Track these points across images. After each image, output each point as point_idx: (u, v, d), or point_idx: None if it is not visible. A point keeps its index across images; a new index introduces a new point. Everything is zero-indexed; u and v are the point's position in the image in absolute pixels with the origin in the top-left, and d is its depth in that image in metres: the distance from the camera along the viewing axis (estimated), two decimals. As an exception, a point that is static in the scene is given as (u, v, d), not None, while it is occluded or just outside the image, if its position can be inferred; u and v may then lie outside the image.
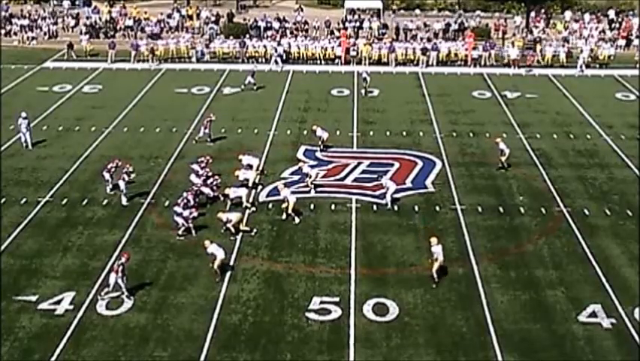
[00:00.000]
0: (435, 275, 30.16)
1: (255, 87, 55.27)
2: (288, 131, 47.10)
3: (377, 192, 37.97)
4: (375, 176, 39.05)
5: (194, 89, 55.84)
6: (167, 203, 36.75)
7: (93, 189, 38.41)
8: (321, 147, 43.48)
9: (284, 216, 35.38)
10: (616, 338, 27.34)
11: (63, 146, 44.42)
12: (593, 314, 28.65)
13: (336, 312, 28.66)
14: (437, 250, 30.31)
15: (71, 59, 63.83)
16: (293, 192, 36.24)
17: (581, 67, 60.67)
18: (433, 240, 30.69)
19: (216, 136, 45.57)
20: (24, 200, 37.15)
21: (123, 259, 29.47)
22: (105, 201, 36.86)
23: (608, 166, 41.97)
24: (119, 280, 29.03)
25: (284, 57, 62.67)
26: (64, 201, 37.21)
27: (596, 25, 71.42)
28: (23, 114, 44.39)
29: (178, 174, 40.00)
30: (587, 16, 74.01)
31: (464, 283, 30.65)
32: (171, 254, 32.58)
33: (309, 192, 38.10)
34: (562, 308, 29.03)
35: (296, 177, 39.94)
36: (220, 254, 30.43)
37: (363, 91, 54.70)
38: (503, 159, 40.81)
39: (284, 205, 35.42)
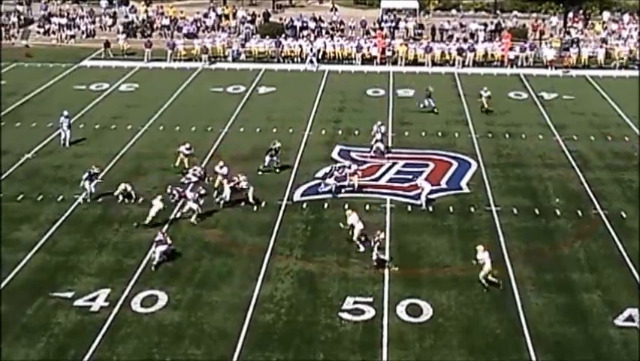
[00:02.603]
0: (484, 281, 30.11)
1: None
2: (323, 131, 47.10)
3: (412, 193, 37.85)
4: (410, 177, 38.97)
5: (229, 88, 56.02)
6: (202, 201, 36.84)
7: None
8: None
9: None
10: (652, 342, 27.09)
11: (99, 144, 44.76)
12: (630, 318, 28.35)
13: (369, 312, 28.62)
14: (483, 256, 30.29)
15: (108, 58, 64.33)
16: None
17: None
18: (480, 247, 30.67)
19: (251, 135, 45.76)
20: (60, 197, 37.47)
21: (160, 236, 31.74)
22: (141, 200, 37.06)
23: (646, 169, 41.59)
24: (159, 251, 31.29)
25: (319, 56, 62.68)
26: (101, 199, 37.48)
27: (635, 25, 70.58)
28: (65, 113, 44.83)
29: (211, 172, 40.07)
30: (626, 17, 73.19)
31: (502, 285, 30.45)
32: (206, 253, 32.70)
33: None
34: (598, 311, 28.76)
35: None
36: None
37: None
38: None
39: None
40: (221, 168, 38.06)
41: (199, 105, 51.93)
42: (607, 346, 26.83)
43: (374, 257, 31.19)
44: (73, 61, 63.35)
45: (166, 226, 34.31)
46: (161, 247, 31.52)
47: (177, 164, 40.41)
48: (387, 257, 31.57)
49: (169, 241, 31.92)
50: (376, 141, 43.24)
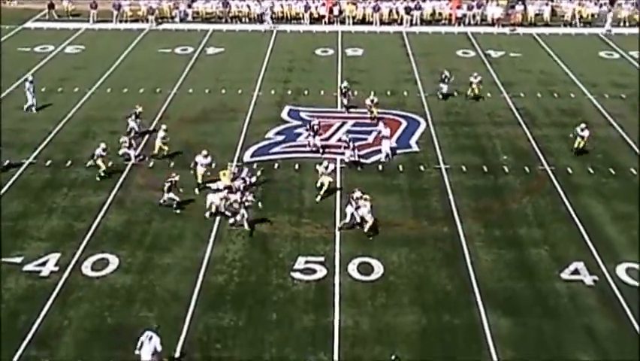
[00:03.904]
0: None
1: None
2: (273, 92, 46.93)
3: (362, 152, 37.96)
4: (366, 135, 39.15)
5: (177, 49, 55.45)
6: (151, 164, 36.64)
7: (77, 151, 38.23)
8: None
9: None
10: (598, 294, 27.64)
11: (46, 107, 44.10)
12: (576, 272, 28.92)
13: (321, 272, 28.80)
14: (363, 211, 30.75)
15: (53, 20, 63.25)
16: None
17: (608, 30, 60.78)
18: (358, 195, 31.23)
19: (200, 96, 45.55)
20: (7, 162, 36.92)
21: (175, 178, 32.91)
22: (89, 163, 36.70)
23: (592, 125, 42.03)
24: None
25: (272, 16, 62.40)
26: (48, 162, 37.05)
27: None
28: (30, 78, 44.15)
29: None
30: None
31: (449, 242, 30.81)
32: (156, 215, 32.56)
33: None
34: (545, 266, 29.27)
35: (281, 137, 39.90)
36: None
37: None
38: None
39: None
40: (205, 157, 34.96)
41: (147, 67, 51.38)
42: (554, 299, 27.36)
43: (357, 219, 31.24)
44: (16, 23, 62.15)
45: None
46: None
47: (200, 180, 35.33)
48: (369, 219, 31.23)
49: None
50: (341, 94, 43.84)
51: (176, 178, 33.04)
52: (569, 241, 30.92)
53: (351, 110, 43.28)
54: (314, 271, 28.82)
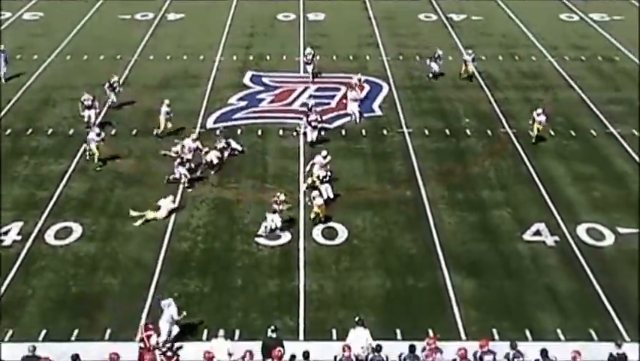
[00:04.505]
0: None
1: None
2: (234, 57, 46.68)
3: (325, 117, 37.94)
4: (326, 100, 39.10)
5: (137, 15, 54.79)
6: (113, 131, 36.37)
7: (37, 119, 37.84)
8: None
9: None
10: (559, 254, 28.02)
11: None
12: (538, 233, 29.26)
13: (285, 237, 28.87)
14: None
15: (10, -14, 62.14)
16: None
17: None
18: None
19: (161, 63, 45.23)
20: (-34, 131, 36.51)
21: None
22: (50, 131, 36.37)
23: (553, 87, 42.40)
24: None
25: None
26: (9, 131, 36.65)
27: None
28: (2, 47, 43.38)
29: (124, 101, 39.48)
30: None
31: (412, 205, 30.99)
32: (119, 182, 32.40)
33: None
34: (507, 228, 29.57)
35: (243, 103, 39.78)
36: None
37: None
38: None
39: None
40: (194, 141, 33.55)
41: (107, 33, 50.73)
42: (516, 261, 27.68)
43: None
44: (-28, -11, 61.09)
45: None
46: None
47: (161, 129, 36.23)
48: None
49: None
50: (305, 64, 43.21)
51: (189, 156, 32.19)
52: (531, 203, 31.25)
53: (317, 76, 43.05)
54: (278, 237, 28.88)
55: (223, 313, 24.77)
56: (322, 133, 36.24)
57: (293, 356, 21.25)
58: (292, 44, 48.63)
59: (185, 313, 23.61)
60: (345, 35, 50.71)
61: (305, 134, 35.93)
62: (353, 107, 38.16)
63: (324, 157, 31.66)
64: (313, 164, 31.70)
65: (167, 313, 23.27)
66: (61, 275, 26.67)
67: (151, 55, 46.78)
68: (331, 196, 30.63)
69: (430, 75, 43.50)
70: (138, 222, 29.26)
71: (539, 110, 35.88)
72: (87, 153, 33.75)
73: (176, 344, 23.15)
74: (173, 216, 29.90)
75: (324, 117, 37.70)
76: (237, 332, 23.83)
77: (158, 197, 30.41)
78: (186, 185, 31.87)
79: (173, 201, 30.26)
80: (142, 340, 22.20)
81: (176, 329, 23.33)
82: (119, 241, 28.55)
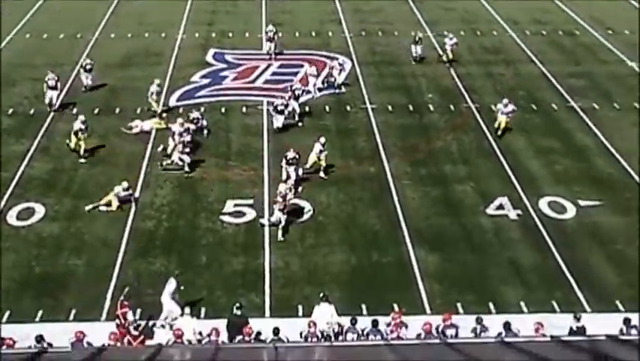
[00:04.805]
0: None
1: None
2: (197, 35, 46.43)
3: (288, 94, 37.84)
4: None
5: (97, -8, 54.27)
6: (74, 110, 36.07)
7: (-3, 99, 37.48)
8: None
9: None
10: (522, 228, 28.31)
11: (-37, 55, 43.02)
12: (500, 207, 29.53)
13: (250, 214, 28.88)
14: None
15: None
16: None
17: None
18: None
19: (122, 41, 44.86)
20: None
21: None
22: (11, 111, 36.01)
23: (514, 62, 42.65)
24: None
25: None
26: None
27: None
28: None
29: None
30: None
31: (376, 181, 31.12)
32: (82, 162, 32.17)
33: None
34: (470, 202, 29.80)
35: (206, 80, 39.62)
36: None
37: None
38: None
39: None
40: (181, 125, 32.41)
41: (66, 11, 50.15)
42: (479, 235, 27.92)
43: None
44: None
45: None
46: None
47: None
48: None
49: None
50: (267, 41, 42.92)
51: (188, 138, 31.53)
52: (494, 177, 31.51)
53: (279, 54, 42.90)
54: (243, 214, 28.90)
55: (188, 291, 24.71)
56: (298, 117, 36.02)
57: (259, 333, 21.34)
58: (255, 21, 48.46)
59: (182, 287, 23.63)
60: (308, 12, 50.62)
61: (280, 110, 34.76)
62: (313, 82, 38.16)
63: (323, 144, 31.00)
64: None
65: (167, 290, 23.32)
66: (23, 256, 26.48)
67: (112, 33, 46.40)
68: (298, 175, 30.45)
69: (412, 61, 42.24)
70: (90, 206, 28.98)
71: (505, 101, 34.40)
72: (72, 143, 32.42)
73: (150, 323, 23.17)
74: (137, 195, 29.73)
75: (288, 94, 37.63)
76: (203, 310, 23.86)
77: (123, 176, 30.25)
78: (186, 170, 31.25)
79: (127, 189, 29.41)
80: (117, 316, 22.21)
81: (176, 308, 23.22)
82: (83, 221, 28.38)
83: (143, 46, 44.39)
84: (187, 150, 31.42)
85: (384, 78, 40.61)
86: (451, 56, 42.05)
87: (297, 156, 30.16)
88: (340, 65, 39.58)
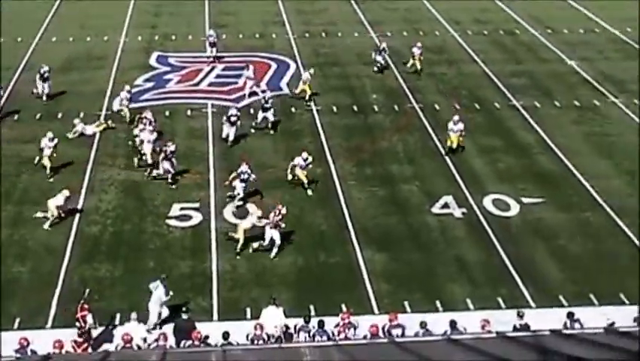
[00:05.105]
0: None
1: None
2: (139, 38, 46.13)
3: (233, 96, 37.88)
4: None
5: (37, -4, 53.64)
6: (16, 117, 35.59)
7: (-64, 105, 36.80)
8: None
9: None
10: (467, 226, 28.61)
11: None
12: (446, 205, 29.80)
13: (196, 218, 28.78)
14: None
15: None
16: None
17: None
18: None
19: (64, 45, 44.37)
20: None
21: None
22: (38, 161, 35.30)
23: (457, 62, 43.08)
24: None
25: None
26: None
27: None
28: None
29: (27, 85, 38.55)
30: None
31: (322, 182, 31.18)
32: (25, 168, 31.74)
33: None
34: (416, 201, 30.03)
35: (150, 84, 39.35)
36: None
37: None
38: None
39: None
40: (151, 133, 32.14)
41: (6, 14, 49.44)
42: (426, 233, 28.15)
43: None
44: None
45: None
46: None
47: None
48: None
49: None
50: (209, 45, 42.58)
51: (172, 148, 30.56)
52: (439, 176, 31.79)
53: (221, 59, 42.66)
54: (189, 218, 28.79)
55: (135, 296, 24.52)
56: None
57: (206, 337, 21.25)
58: (198, 24, 48.29)
59: (171, 293, 23.39)
60: (251, 13, 50.63)
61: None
62: (249, 85, 38.04)
63: (305, 160, 30.33)
64: (294, 165, 30.40)
65: (155, 295, 23.14)
66: (-33, 264, 26.06)
67: (53, 36, 45.88)
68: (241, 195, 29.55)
69: (375, 69, 41.39)
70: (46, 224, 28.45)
71: (456, 118, 33.02)
72: (41, 160, 31.45)
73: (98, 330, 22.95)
74: (81, 201, 29.44)
75: (232, 96, 37.64)
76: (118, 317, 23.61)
77: (65, 181, 29.92)
78: (170, 181, 30.63)
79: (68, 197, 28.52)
80: (77, 320, 21.99)
81: (165, 311, 23.16)
82: (27, 227, 28.00)
83: (85, 50, 44.00)
84: (173, 159, 30.56)
85: (329, 79, 40.75)
86: (419, 65, 41.08)
87: (250, 171, 29.23)
88: (263, 91, 37.71)
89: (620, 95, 39.29)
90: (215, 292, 24.95)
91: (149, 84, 39.46)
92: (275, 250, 26.60)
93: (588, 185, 31.15)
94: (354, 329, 21.71)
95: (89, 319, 22.07)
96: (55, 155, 31.26)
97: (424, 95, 38.71)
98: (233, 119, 33.52)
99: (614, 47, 46.11)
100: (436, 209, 29.59)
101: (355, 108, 37.43)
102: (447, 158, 32.86)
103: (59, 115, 35.81)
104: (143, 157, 31.68)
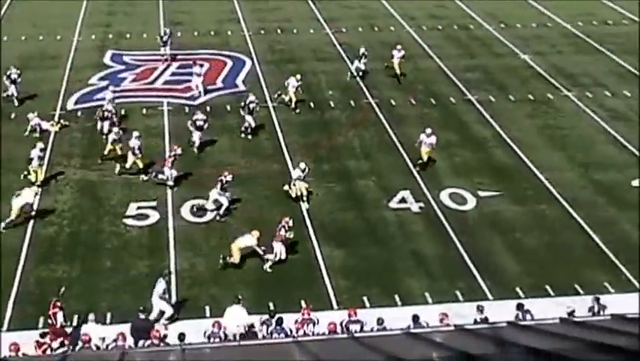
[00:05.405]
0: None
1: None
2: (93, 36, 45.73)
3: (187, 94, 37.72)
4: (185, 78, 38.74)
5: (-12, -5, 52.95)
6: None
7: None
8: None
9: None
10: (424, 220, 28.79)
11: None
12: (403, 200, 29.96)
13: (154, 216, 28.64)
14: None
15: None
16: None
17: None
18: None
19: (16, 44, 43.86)
20: None
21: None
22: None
23: (413, 57, 43.23)
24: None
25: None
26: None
27: None
28: None
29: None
30: None
31: (280, 179, 31.12)
32: (-23, 170, 31.37)
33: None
34: (373, 196, 30.15)
35: (104, 83, 39.01)
36: None
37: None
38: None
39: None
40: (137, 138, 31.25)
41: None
42: (383, 228, 28.28)
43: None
44: None
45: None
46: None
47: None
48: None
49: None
50: (163, 44, 42.19)
51: (179, 152, 30.44)
52: (395, 171, 31.94)
53: (176, 57, 42.38)
54: (147, 217, 28.64)
55: (93, 296, 24.41)
56: (186, 110, 35.75)
57: (165, 336, 21.16)
58: (153, 22, 48.01)
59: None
60: (206, 11, 50.39)
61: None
62: (197, 82, 37.92)
63: (303, 170, 29.55)
64: (294, 180, 29.60)
65: (156, 290, 23.12)
66: None
67: (5, 36, 45.28)
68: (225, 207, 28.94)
69: (355, 74, 40.02)
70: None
71: (429, 131, 31.62)
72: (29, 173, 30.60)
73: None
74: (37, 201, 29.13)
75: (187, 94, 37.52)
76: (109, 315, 23.52)
77: (19, 182, 29.58)
78: (171, 185, 30.22)
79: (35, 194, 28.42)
80: (49, 316, 21.84)
81: (168, 307, 23.14)
82: (-20, 229, 27.67)
83: (38, 49, 43.54)
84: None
85: (285, 76, 40.55)
86: (398, 70, 40.09)
87: (232, 180, 28.66)
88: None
89: (573, 88, 39.77)
90: (173, 291, 24.82)
91: (104, 83, 39.08)
92: (270, 263, 26.06)
93: (543, 177, 31.53)
94: (314, 325, 21.76)
95: (60, 317, 21.90)
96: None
97: (380, 91, 38.84)
98: (199, 123, 32.94)
99: (567, 41, 46.64)
100: (393, 204, 29.73)
101: (312, 104, 37.46)
102: (403, 153, 33.00)
103: (12, 115, 35.38)
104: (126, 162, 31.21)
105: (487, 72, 41.70)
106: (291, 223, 26.31)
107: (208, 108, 36.51)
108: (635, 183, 31.18)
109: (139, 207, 29.12)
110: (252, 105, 34.24)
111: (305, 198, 29.55)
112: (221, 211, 28.49)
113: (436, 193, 30.28)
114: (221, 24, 48.15)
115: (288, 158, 32.64)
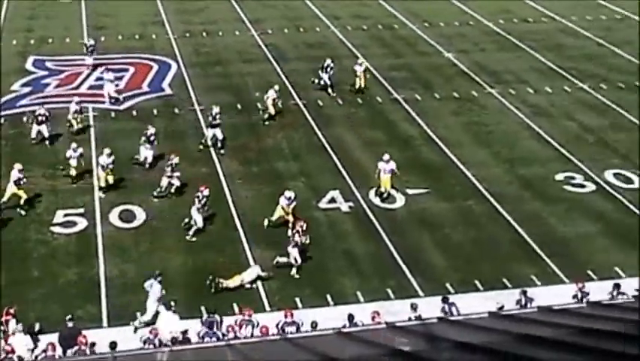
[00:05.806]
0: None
1: None
2: (14, 42, 44.92)
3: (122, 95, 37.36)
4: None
5: None
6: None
7: None
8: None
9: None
10: (354, 219, 29.00)
11: None
12: (333, 200, 30.12)
13: (81, 223, 28.30)
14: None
15: None
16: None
17: None
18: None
19: None
20: None
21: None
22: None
23: (339, 57, 43.40)
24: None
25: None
26: None
27: None
28: None
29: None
30: None
31: (209, 181, 30.83)
32: None
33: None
34: (303, 197, 30.11)
35: (27, 89, 38.37)
36: None
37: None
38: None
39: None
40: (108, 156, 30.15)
41: None
42: (314, 228, 28.18)
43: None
44: None
45: None
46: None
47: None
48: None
49: None
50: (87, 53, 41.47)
51: (176, 160, 29.84)
52: (325, 171, 32.10)
53: (101, 64, 41.80)
54: (74, 224, 28.29)
55: (21, 306, 23.78)
56: (112, 115, 35.37)
57: (93, 344, 20.88)
58: (75, 26, 47.37)
59: (164, 291, 23.14)
60: (130, 14, 49.94)
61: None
62: (109, 89, 37.45)
63: (288, 198, 28.13)
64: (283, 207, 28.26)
65: (152, 294, 22.91)
66: None
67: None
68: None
69: (322, 83, 38.87)
70: None
71: (387, 157, 30.09)
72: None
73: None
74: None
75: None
76: (37, 325, 23.10)
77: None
78: (171, 192, 29.89)
79: None
80: (1, 323, 21.61)
81: (162, 308, 22.87)
82: None
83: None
84: (176, 173, 29.73)
85: (211, 78, 40.60)
86: (363, 84, 38.93)
87: (208, 195, 27.78)
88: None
89: (496, 85, 40.44)
90: (104, 298, 24.59)
91: (27, 89, 38.50)
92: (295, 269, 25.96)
93: (469, 174, 32.01)
94: (253, 327, 21.69)
95: (12, 325, 21.52)
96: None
97: (307, 92, 38.94)
98: (152, 138, 31.93)
99: (489, 39, 47.39)
100: (323, 204, 29.88)
101: (239, 107, 37.40)
102: (332, 153, 33.18)
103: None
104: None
105: (412, 71, 42.15)
106: (305, 227, 26.02)
107: (134, 113, 36.20)
108: (558, 177, 31.88)
109: (66, 215, 28.74)
110: (217, 117, 33.29)
111: (290, 227, 27.06)
112: (191, 232, 27.69)
113: (364, 192, 30.50)
114: (145, 27, 47.75)
115: (217, 161, 32.56)
